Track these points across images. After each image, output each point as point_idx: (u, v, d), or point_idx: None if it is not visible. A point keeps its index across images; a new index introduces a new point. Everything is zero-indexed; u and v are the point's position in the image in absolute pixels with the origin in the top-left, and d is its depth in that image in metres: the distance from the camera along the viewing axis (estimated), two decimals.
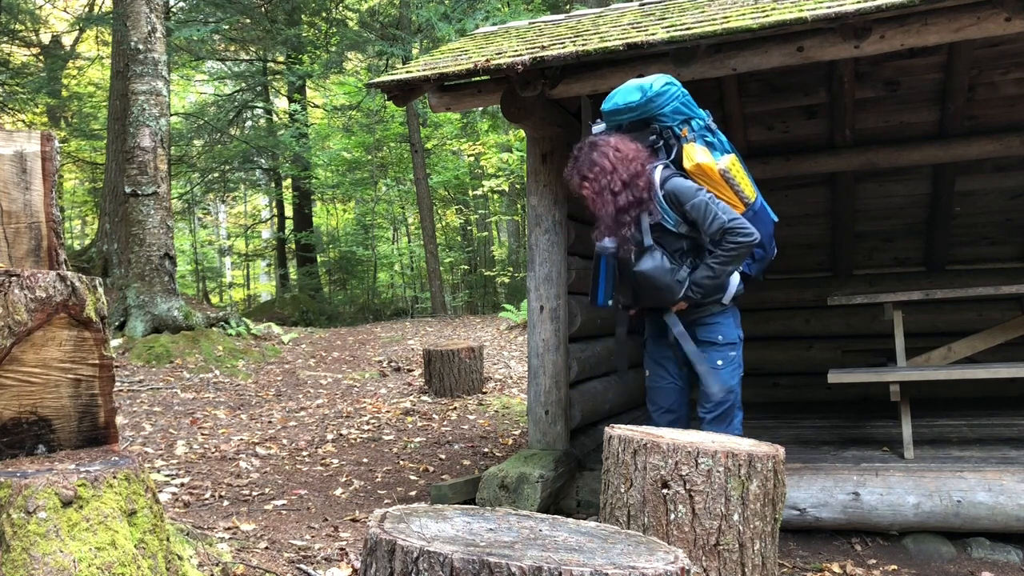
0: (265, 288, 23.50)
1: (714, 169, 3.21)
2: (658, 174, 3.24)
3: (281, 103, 20.20)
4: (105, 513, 1.99)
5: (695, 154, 3.22)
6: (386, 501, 4.46)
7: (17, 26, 14.80)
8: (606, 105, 3.36)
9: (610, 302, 3.35)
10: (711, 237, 3.17)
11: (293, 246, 20.04)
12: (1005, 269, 6.04)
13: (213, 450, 5.50)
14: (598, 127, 3.41)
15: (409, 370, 9.00)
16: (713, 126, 3.34)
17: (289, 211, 20.25)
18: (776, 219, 3.48)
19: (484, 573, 1.61)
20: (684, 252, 3.27)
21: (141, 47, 9.13)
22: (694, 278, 3.21)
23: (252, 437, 5.94)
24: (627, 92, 3.28)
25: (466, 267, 20.21)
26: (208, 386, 7.67)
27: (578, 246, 4.66)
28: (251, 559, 2.96)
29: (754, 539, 2.49)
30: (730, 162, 3.24)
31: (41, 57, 16.06)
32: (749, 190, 3.29)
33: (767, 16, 3.50)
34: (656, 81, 3.25)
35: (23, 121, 15.99)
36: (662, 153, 3.31)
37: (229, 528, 3.65)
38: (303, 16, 16.31)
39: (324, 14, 16.23)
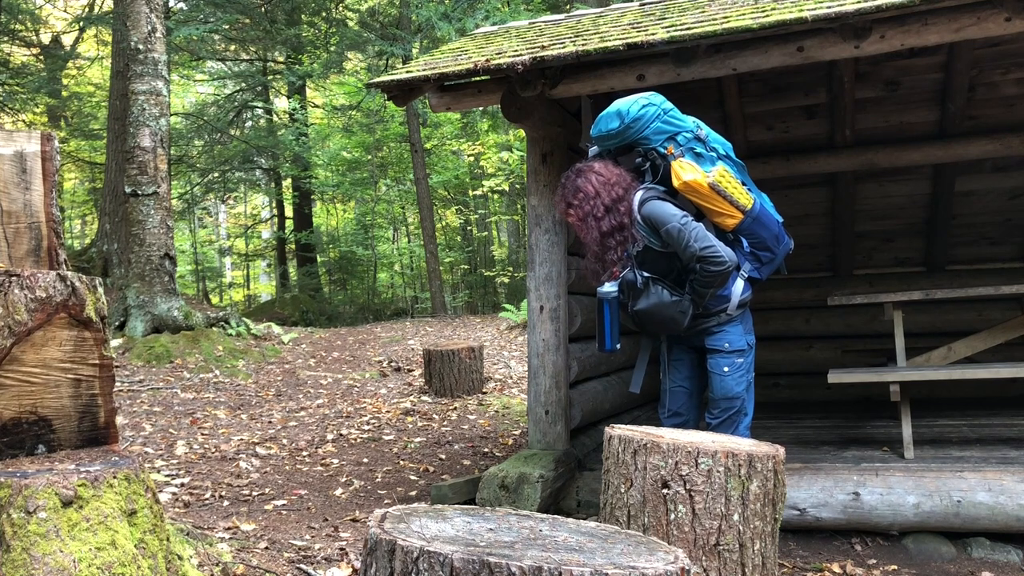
0: (265, 288, 23.50)
1: (703, 184, 3.18)
2: (636, 198, 3.25)
3: (281, 103, 20.19)
4: (105, 513, 1.99)
5: (682, 172, 3.20)
6: (386, 501, 4.46)
7: (17, 26, 14.80)
8: (593, 131, 3.38)
9: (618, 345, 3.33)
10: (687, 263, 3.20)
11: (293, 246, 20.04)
12: (1005, 269, 6.04)
13: (213, 450, 5.50)
14: (593, 149, 3.44)
15: (409, 370, 9.00)
16: (703, 133, 3.30)
17: (289, 211, 20.24)
18: (781, 219, 3.47)
19: (484, 573, 1.61)
20: (681, 272, 3.28)
21: (141, 47, 9.13)
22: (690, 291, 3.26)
23: (252, 437, 5.93)
24: (607, 119, 3.29)
25: (466, 267, 20.21)
26: (208, 386, 7.67)
27: (578, 246, 4.64)
28: (251, 559, 2.96)
29: (754, 539, 2.49)
30: (719, 173, 3.20)
31: (41, 57, 16.05)
32: (744, 198, 3.25)
33: (767, 16, 3.50)
34: (633, 105, 3.23)
35: (23, 121, 15.98)
36: (648, 175, 3.31)
37: (229, 528, 3.65)
38: (303, 16, 16.30)
39: (324, 14, 16.23)
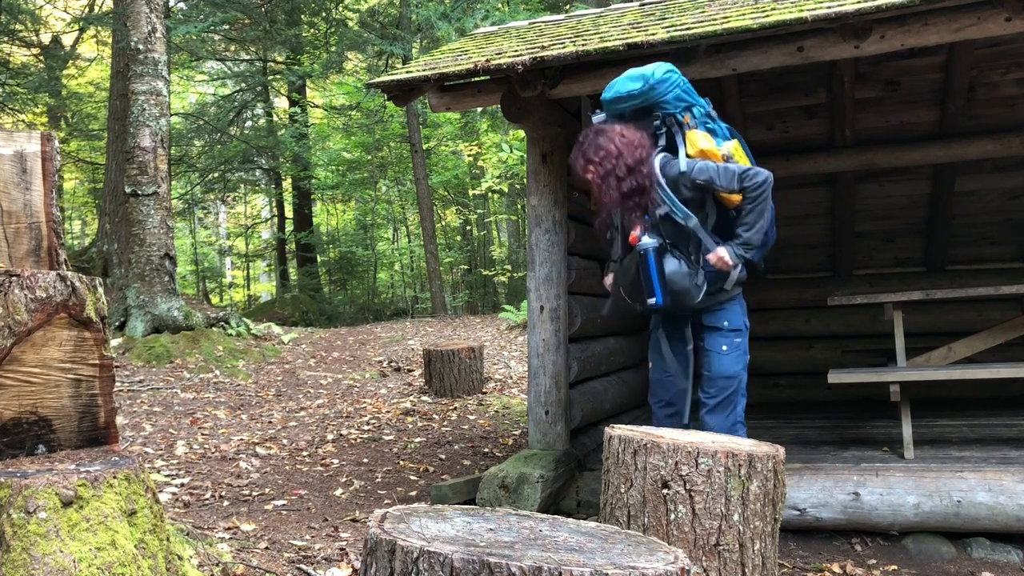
0: (265, 288, 23.49)
1: (717, 155, 3.24)
2: (657, 162, 3.25)
3: (281, 103, 20.20)
4: (105, 513, 1.99)
5: (699, 140, 3.25)
6: (386, 501, 4.46)
7: (17, 26, 14.80)
8: (607, 94, 3.36)
9: (669, 300, 3.21)
10: (728, 191, 3.18)
11: (293, 246, 20.04)
12: (1005, 269, 6.04)
13: (213, 450, 5.50)
14: (598, 116, 3.41)
15: (409, 370, 9.00)
16: (713, 113, 3.37)
17: (289, 211, 20.25)
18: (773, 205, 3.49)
19: (484, 573, 1.61)
20: (690, 243, 3.29)
21: (141, 47, 9.13)
22: (739, 240, 3.20)
23: (252, 437, 5.93)
24: (628, 80, 3.29)
25: (466, 267, 20.21)
26: (208, 386, 7.67)
27: (578, 246, 4.66)
28: (251, 559, 2.96)
29: (754, 539, 2.49)
30: (732, 147, 3.28)
31: (41, 57, 16.05)
32: None
33: (767, 16, 3.50)
34: (657, 69, 3.26)
35: (23, 121, 15.98)
36: (662, 140, 3.33)
37: (229, 528, 3.65)
38: (303, 16, 16.30)
39: (324, 14, 16.22)
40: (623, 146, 3.18)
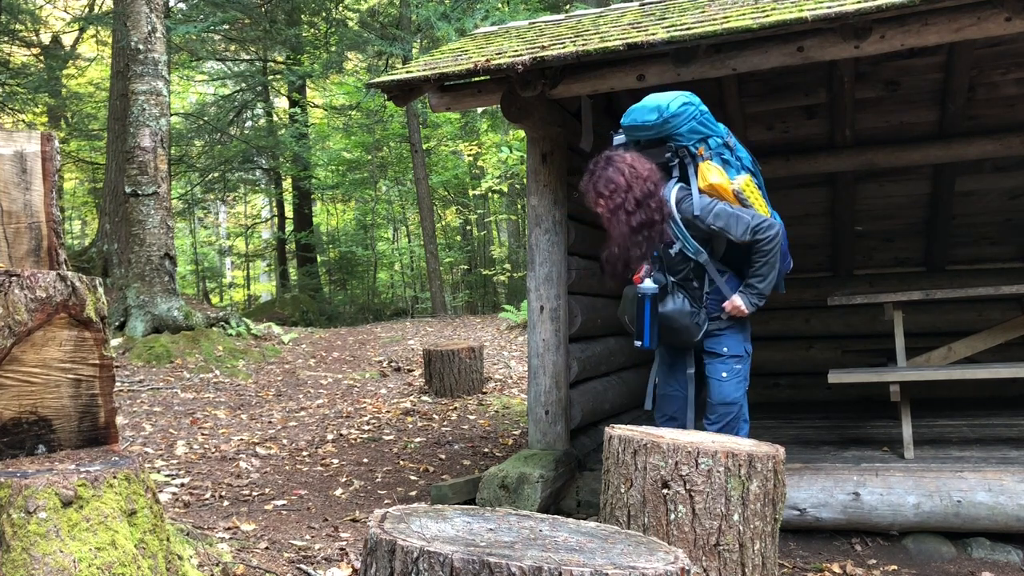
0: (265, 288, 23.49)
1: (727, 189, 3.24)
2: (673, 196, 3.26)
3: (281, 103, 20.20)
4: (105, 513, 1.99)
5: (709, 174, 3.26)
6: (386, 501, 4.46)
7: (17, 26, 14.80)
8: (625, 120, 3.39)
9: (656, 344, 3.34)
10: (740, 242, 3.21)
11: (293, 246, 20.04)
12: (1005, 269, 6.04)
13: (213, 450, 5.50)
14: (619, 138, 3.45)
15: (409, 370, 9.00)
16: (732, 142, 3.37)
17: (289, 211, 20.25)
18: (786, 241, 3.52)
19: (484, 573, 1.61)
20: (695, 275, 3.33)
21: (141, 47, 9.13)
22: (754, 291, 3.28)
23: (252, 437, 5.93)
24: (644, 111, 3.30)
25: (466, 267, 20.20)
26: (208, 386, 7.67)
27: (578, 246, 4.66)
28: (251, 559, 2.96)
29: (754, 539, 2.49)
30: (744, 183, 3.27)
31: (41, 57, 16.05)
32: (763, 210, 3.32)
33: (767, 16, 3.50)
34: (673, 101, 3.26)
35: (23, 121, 15.98)
36: (675, 171, 3.33)
37: (229, 528, 3.65)
38: (303, 16, 16.30)
39: (324, 14, 16.22)
40: (632, 179, 3.20)
